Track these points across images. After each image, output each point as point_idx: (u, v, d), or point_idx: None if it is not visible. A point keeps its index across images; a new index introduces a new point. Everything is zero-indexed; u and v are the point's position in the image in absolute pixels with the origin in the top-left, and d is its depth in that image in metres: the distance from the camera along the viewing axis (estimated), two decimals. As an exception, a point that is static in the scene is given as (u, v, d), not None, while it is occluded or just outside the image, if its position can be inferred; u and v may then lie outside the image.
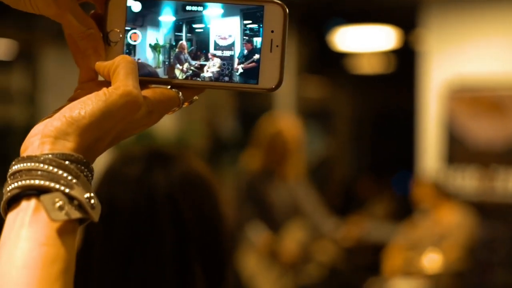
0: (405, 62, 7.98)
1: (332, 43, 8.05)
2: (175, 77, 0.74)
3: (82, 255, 1.11)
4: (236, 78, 0.72)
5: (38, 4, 0.71)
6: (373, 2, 6.97)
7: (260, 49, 0.72)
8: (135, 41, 0.75)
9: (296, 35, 7.42)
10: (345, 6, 7.20)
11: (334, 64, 9.61)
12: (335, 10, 7.43)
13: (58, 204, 0.62)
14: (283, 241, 4.55)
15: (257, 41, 0.72)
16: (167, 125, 7.80)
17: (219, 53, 0.73)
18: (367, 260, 7.56)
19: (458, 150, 5.98)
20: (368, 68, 9.46)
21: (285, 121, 4.88)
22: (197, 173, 1.19)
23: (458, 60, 6.09)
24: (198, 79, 0.74)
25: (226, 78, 0.73)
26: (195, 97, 0.76)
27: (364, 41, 7.89)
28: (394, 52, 8.58)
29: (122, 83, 0.68)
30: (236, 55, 0.72)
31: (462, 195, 5.88)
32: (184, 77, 0.74)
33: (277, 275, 4.29)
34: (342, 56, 9.16)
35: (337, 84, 10.31)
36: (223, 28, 0.73)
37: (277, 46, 0.72)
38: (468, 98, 5.92)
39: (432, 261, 4.75)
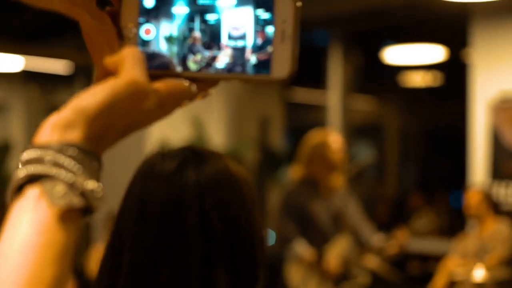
0: (453, 77, 7.99)
1: (380, 58, 8.11)
2: (188, 69, 0.74)
3: (113, 253, 1.13)
4: (249, 69, 0.72)
5: (53, 0, 0.72)
6: (421, 17, 7.01)
7: (272, 39, 0.72)
8: (148, 35, 0.75)
9: (344, 50, 7.49)
10: (393, 22, 7.25)
11: (383, 79, 9.64)
12: (383, 26, 7.48)
13: (59, 191, 0.63)
14: (327, 255, 4.57)
15: (270, 31, 0.72)
16: (218, 140, 7.95)
17: (232, 43, 0.73)
18: (414, 272, 7.60)
19: (506, 164, 5.97)
20: (416, 83, 9.48)
21: (327, 134, 4.93)
22: (230, 174, 1.16)
23: (505, 75, 6.09)
24: (211, 70, 0.73)
25: (239, 69, 0.72)
26: (210, 91, 0.76)
27: (413, 56, 7.94)
28: (442, 67, 8.58)
29: (128, 72, 0.69)
30: (249, 45, 0.72)
31: (510, 208, 5.88)
32: (197, 69, 0.74)
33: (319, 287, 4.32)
34: (391, 71, 9.19)
35: (386, 99, 10.33)
36: (236, 18, 0.73)
37: (289, 36, 0.72)
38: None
39: (479, 274, 4.77)
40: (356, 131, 8.10)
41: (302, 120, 9.97)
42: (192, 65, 0.74)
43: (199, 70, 0.74)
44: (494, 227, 5.47)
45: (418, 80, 9.41)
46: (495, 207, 5.60)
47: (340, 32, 7.43)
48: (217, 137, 8.01)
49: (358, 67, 7.75)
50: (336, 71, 7.46)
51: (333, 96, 7.48)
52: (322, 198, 4.74)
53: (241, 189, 1.16)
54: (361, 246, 4.82)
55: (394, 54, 7.96)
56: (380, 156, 10.18)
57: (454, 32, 7.16)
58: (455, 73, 7.69)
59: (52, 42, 8.11)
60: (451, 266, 5.54)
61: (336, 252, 4.67)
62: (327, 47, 7.55)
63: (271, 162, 7.49)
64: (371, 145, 9.87)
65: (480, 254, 5.41)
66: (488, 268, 4.88)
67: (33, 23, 7.27)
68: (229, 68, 0.73)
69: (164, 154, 1.18)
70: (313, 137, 4.82)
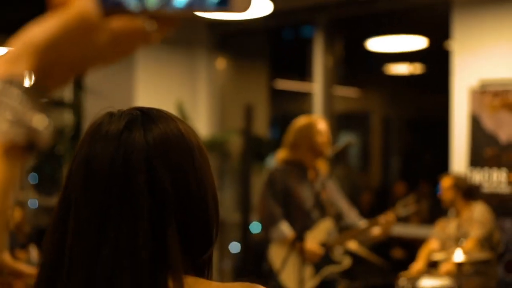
0: (436, 67, 8.08)
1: (364, 47, 8.18)
2: (145, 6, 0.71)
3: (61, 215, 1.10)
4: (209, 3, 0.71)
5: None
6: (403, 7, 7.08)
7: None
8: None
9: (327, 39, 7.56)
10: (376, 11, 7.31)
11: (367, 68, 9.71)
12: (366, 15, 7.54)
13: (2, 127, 0.62)
14: (309, 237, 4.60)
15: None
16: (202, 128, 8.01)
17: None
18: (398, 256, 7.72)
19: (485, 152, 6.06)
20: (400, 72, 9.56)
21: (313, 118, 4.98)
22: (180, 134, 1.13)
23: (485, 64, 6.17)
24: (171, 8, 0.71)
25: (199, 4, 0.71)
26: (169, 30, 0.73)
27: (396, 46, 8.03)
28: (426, 56, 8.66)
29: (78, 4, 0.67)
30: None
31: (489, 194, 5.98)
32: (155, 6, 0.71)
33: (301, 270, 4.34)
34: (375, 61, 9.26)
35: (370, 89, 10.40)
36: None
37: None
38: (496, 100, 6.00)
39: (458, 256, 4.88)
40: (340, 120, 8.17)
41: (287, 109, 10.04)
42: (150, 2, 0.71)
43: (158, 8, 0.71)
44: (469, 212, 5.59)
45: (402, 69, 9.50)
46: (468, 193, 5.72)
47: (323, 21, 7.50)
48: (202, 125, 8.08)
49: (341, 56, 7.81)
50: (319, 59, 7.53)
51: (317, 84, 7.55)
52: (307, 181, 4.78)
53: (191, 149, 1.13)
54: (345, 230, 4.87)
55: (378, 44, 8.04)
56: (364, 145, 10.27)
57: (436, 21, 7.25)
58: (438, 62, 7.76)
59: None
60: (431, 249, 5.66)
61: (319, 235, 4.72)
62: (312, 38, 7.62)
63: (256, 150, 7.55)
64: (356, 134, 9.94)
65: (458, 238, 5.53)
66: (466, 252, 4.99)
67: (24, 18, 7.29)
68: (189, 4, 0.71)
69: (112, 114, 1.14)
70: (299, 121, 4.86)
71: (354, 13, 7.38)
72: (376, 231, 4.82)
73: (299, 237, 4.19)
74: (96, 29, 0.68)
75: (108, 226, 1.05)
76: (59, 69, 0.68)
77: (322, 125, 4.81)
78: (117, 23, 0.70)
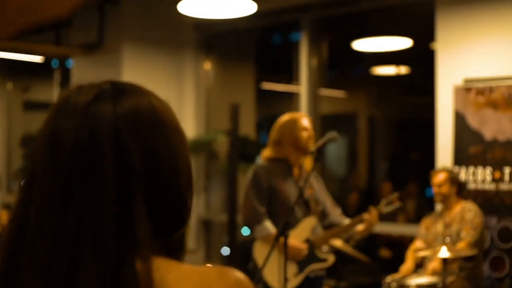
0: (422, 67, 8.12)
1: (350, 48, 8.21)
2: None
3: (26, 189, 1.06)
4: None
5: None
6: (387, 8, 7.12)
7: None
8: None
9: (312, 40, 7.59)
10: (361, 12, 7.35)
11: (353, 69, 9.74)
12: (351, 15, 7.58)
13: None
14: (293, 235, 4.59)
15: None
16: (189, 128, 8.02)
17: None
18: (385, 255, 7.76)
19: (470, 149, 6.10)
20: (387, 73, 9.60)
21: (297, 115, 4.92)
22: (151, 108, 1.09)
23: (469, 63, 6.22)
24: None
25: None
26: None
27: (382, 46, 8.07)
28: (411, 56, 8.70)
29: None
30: None
31: (474, 192, 6.02)
32: None
33: (285, 268, 4.31)
34: (361, 61, 9.30)
35: (357, 89, 10.43)
36: None
37: None
38: (480, 98, 6.04)
39: (443, 255, 4.90)
40: (327, 121, 8.19)
41: (274, 110, 10.06)
42: None
43: None
44: (459, 210, 5.61)
45: (387, 70, 9.54)
46: (460, 189, 5.75)
47: (309, 22, 7.53)
48: (189, 126, 8.09)
49: (327, 57, 7.84)
50: (305, 61, 7.56)
51: (303, 85, 7.58)
52: (291, 178, 4.79)
53: (164, 126, 1.09)
54: (329, 228, 4.87)
55: (363, 44, 8.08)
56: (351, 146, 10.30)
57: (420, 22, 7.29)
58: (423, 62, 7.81)
59: (29, 37, 8.14)
60: (417, 249, 5.69)
61: (303, 232, 4.71)
62: (298, 39, 7.65)
63: (243, 151, 7.57)
64: (343, 135, 9.97)
65: (445, 236, 5.56)
66: (452, 249, 5.02)
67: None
68: None
69: (81, 87, 1.10)
70: (283, 118, 4.85)
71: (339, 14, 7.42)
72: (359, 227, 4.81)
73: (282, 234, 4.16)
74: None
75: (72, 200, 1.01)
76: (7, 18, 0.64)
77: (305, 122, 4.80)
78: None
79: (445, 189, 5.63)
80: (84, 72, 7.88)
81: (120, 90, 1.09)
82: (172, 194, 1.08)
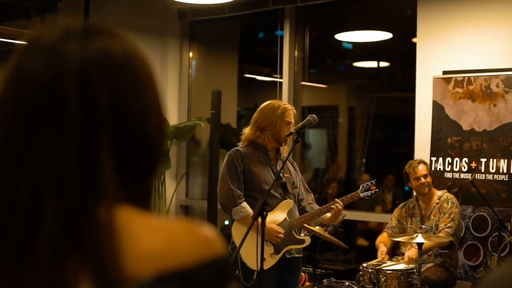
0: (401, 59, 8.22)
1: (332, 40, 8.30)
2: None
3: None
4: None
5: None
6: (369, 1, 7.21)
7: None
8: None
9: (295, 31, 7.67)
10: (344, 3, 7.43)
11: (335, 60, 9.82)
12: (334, 6, 7.67)
13: None
14: (269, 216, 4.60)
15: None
16: (171, 115, 8.07)
17: None
18: (362, 244, 7.87)
19: (448, 140, 6.21)
20: (368, 65, 9.69)
21: (284, 105, 4.93)
22: (124, 52, 1.03)
23: (448, 56, 6.33)
24: None
25: None
26: None
27: (364, 38, 8.17)
28: (390, 49, 8.79)
29: None
30: None
31: (451, 181, 6.13)
32: None
33: (261, 249, 4.37)
34: (343, 52, 9.38)
35: (338, 80, 10.52)
36: None
37: None
38: (458, 89, 6.15)
39: (420, 241, 5.01)
40: (308, 112, 8.27)
41: (256, 98, 10.12)
42: None
43: None
44: (435, 199, 5.72)
45: (369, 63, 9.63)
46: (435, 180, 5.88)
47: (292, 13, 7.62)
48: (172, 113, 8.15)
49: (309, 48, 7.92)
50: (287, 51, 7.64)
51: (285, 75, 7.67)
52: (268, 161, 4.87)
53: (134, 68, 1.04)
54: (302, 212, 4.97)
55: (345, 37, 8.18)
56: (333, 137, 10.39)
57: (402, 15, 7.39)
58: (403, 55, 7.91)
59: (14, 23, 8.16)
60: (384, 240, 5.79)
61: (279, 215, 4.82)
62: (281, 29, 7.73)
63: (226, 137, 7.63)
64: (323, 126, 10.06)
65: (423, 223, 5.67)
66: (428, 237, 5.13)
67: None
68: None
69: (50, 26, 1.04)
70: (270, 105, 4.89)
71: (323, 6, 7.50)
72: (326, 216, 4.94)
73: (260, 214, 4.22)
74: None
75: (35, 142, 0.96)
76: None
77: (291, 115, 4.86)
78: None
79: (429, 179, 5.73)
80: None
81: (91, 31, 1.03)
82: (141, 141, 1.03)
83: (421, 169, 5.73)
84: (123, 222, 0.96)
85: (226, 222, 7.88)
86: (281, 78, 7.75)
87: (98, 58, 0.99)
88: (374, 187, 5.08)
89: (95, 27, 1.04)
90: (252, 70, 9.86)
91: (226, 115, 7.99)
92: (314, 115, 4.62)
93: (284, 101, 5.01)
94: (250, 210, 4.69)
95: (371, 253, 6.09)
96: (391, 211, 8.52)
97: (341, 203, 4.87)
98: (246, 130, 4.93)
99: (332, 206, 4.85)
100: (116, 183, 0.98)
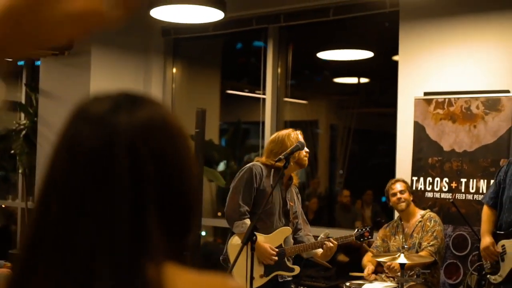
0: (384, 79, 8.31)
1: (314, 57, 8.38)
2: None
3: (43, 197, 1.09)
4: None
5: None
6: (352, 19, 7.29)
7: None
8: None
9: (278, 48, 7.74)
10: (327, 23, 7.50)
11: (317, 76, 9.89)
12: (317, 25, 7.74)
13: None
14: (267, 238, 4.84)
15: None
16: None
17: None
18: (343, 260, 7.93)
19: (429, 160, 6.30)
20: (349, 82, 9.79)
21: (293, 131, 5.11)
22: (164, 119, 1.12)
23: (429, 78, 6.43)
24: None
25: None
26: (126, 11, 0.68)
27: (344, 55, 8.26)
28: (374, 68, 8.88)
29: None
30: None
31: (432, 201, 6.22)
32: None
33: (252, 267, 4.47)
34: (324, 69, 9.46)
35: (320, 97, 10.59)
36: None
37: None
38: (440, 111, 6.25)
39: (403, 262, 5.08)
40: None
41: (239, 114, 10.18)
42: None
43: None
44: (418, 218, 5.80)
45: (350, 79, 9.72)
46: (416, 199, 5.97)
47: (275, 31, 7.69)
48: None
49: (291, 65, 7.99)
50: (270, 67, 7.71)
51: (268, 91, 7.73)
52: (280, 187, 5.01)
53: (175, 136, 1.13)
54: (297, 243, 5.13)
55: (327, 54, 8.26)
56: (314, 153, 10.45)
57: (384, 34, 7.48)
58: (385, 73, 8.00)
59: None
60: (369, 260, 5.87)
61: (277, 239, 4.96)
62: (263, 47, 7.80)
63: (208, 154, 7.66)
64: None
65: (405, 242, 5.74)
66: (410, 257, 5.20)
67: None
68: None
69: (97, 97, 1.13)
70: (276, 134, 5.11)
71: (305, 24, 7.57)
72: (318, 251, 5.10)
73: (249, 240, 4.33)
74: (52, 3, 0.66)
75: (87, 209, 1.04)
76: (15, 40, 0.66)
77: (296, 134, 5.03)
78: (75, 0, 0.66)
79: (406, 195, 5.82)
80: (52, 73, 7.93)
81: (134, 101, 1.12)
82: (182, 200, 1.12)
83: (398, 186, 5.83)
84: (169, 278, 1.04)
85: (203, 233, 7.92)
86: (264, 94, 7.82)
87: (143, 127, 1.08)
88: (367, 233, 5.32)
89: (138, 97, 1.13)
90: (234, 86, 9.92)
91: (208, 132, 8.02)
92: (302, 141, 4.77)
93: (293, 129, 5.17)
94: (242, 229, 4.80)
95: (352, 269, 6.15)
96: (371, 227, 8.61)
97: (335, 242, 5.00)
98: (262, 160, 5.03)
99: (326, 242, 4.98)
100: (162, 243, 1.06)
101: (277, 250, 4.89)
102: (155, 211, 1.06)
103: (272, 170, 4.94)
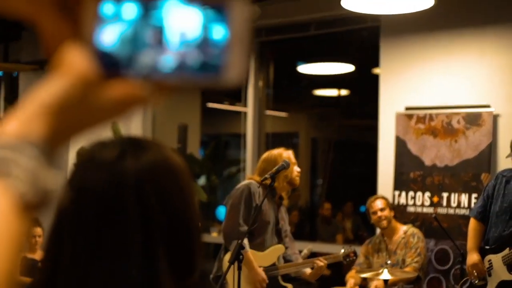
0: (364, 92, 8.35)
1: (295, 70, 8.40)
2: (138, 71, 0.69)
3: (55, 244, 1.11)
4: (198, 72, 0.69)
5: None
6: (332, 33, 7.32)
7: (224, 42, 0.69)
8: (103, 37, 0.70)
9: (259, 61, 7.75)
10: (308, 36, 7.53)
11: (297, 90, 9.93)
12: (298, 38, 7.76)
13: (17, 186, 0.66)
14: (259, 257, 4.90)
15: (220, 34, 0.69)
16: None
17: (182, 46, 0.69)
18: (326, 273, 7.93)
19: (411, 174, 6.33)
20: (329, 95, 9.83)
21: (285, 150, 5.16)
22: (168, 162, 1.16)
23: (410, 92, 6.46)
24: (161, 74, 0.69)
25: (188, 72, 0.69)
26: (164, 95, 0.72)
27: (324, 69, 8.29)
28: (354, 81, 8.93)
29: (78, 64, 0.69)
30: (199, 47, 0.68)
31: (414, 215, 6.25)
32: (146, 71, 0.70)
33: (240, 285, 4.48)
34: (305, 82, 9.50)
35: (300, 110, 10.62)
36: (186, 19, 0.69)
37: (240, 39, 0.69)
38: (421, 125, 6.29)
39: (385, 277, 5.09)
40: (270, 140, 8.34)
41: (219, 128, 10.18)
42: (141, 67, 0.70)
43: (149, 73, 0.70)
44: (401, 234, 5.81)
45: (330, 92, 9.77)
46: (398, 214, 5.98)
47: (256, 45, 7.69)
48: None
49: (272, 79, 8.01)
50: (251, 81, 7.71)
51: (249, 105, 7.73)
52: (273, 205, 5.08)
53: (179, 177, 1.17)
54: (285, 261, 5.18)
55: (308, 68, 8.29)
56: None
57: (365, 48, 7.51)
58: (366, 87, 8.04)
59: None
60: (359, 271, 5.86)
61: (269, 258, 5.02)
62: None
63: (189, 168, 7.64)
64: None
65: (389, 258, 5.75)
66: (394, 272, 5.22)
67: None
68: (178, 71, 0.69)
69: (104, 143, 1.17)
70: (267, 154, 5.18)
71: (286, 41, 7.60)
72: (307, 270, 5.17)
73: (236, 260, 4.34)
74: (97, 90, 0.69)
75: (99, 253, 1.07)
76: (66, 128, 0.70)
77: (294, 158, 5.11)
78: (117, 86, 0.70)
79: (387, 212, 5.81)
80: (32, 88, 7.86)
81: (140, 146, 1.17)
82: (188, 240, 1.16)
83: (378, 203, 5.81)
84: None
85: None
86: (245, 107, 7.82)
87: (150, 171, 1.13)
88: (352, 255, 5.49)
89: (141, 142, 1.19)
90: (214, 100, 9.92)
91: (189, 146, 8.01)
92: (287, 160, 4.79)
93: (284, 149, 5.23)
94: (247, 248, 4.81)
95: (334, 283, 6.15)
96: (353, 240, 8.64)
97: (325, 261, 5.07)
98: (255, 178, 5.07)
99: (316, 261, 5.05)
100: (172, 284, 1.09)
101: (266, 279, 4.90)
102: (164, 253, 1.09)
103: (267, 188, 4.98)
